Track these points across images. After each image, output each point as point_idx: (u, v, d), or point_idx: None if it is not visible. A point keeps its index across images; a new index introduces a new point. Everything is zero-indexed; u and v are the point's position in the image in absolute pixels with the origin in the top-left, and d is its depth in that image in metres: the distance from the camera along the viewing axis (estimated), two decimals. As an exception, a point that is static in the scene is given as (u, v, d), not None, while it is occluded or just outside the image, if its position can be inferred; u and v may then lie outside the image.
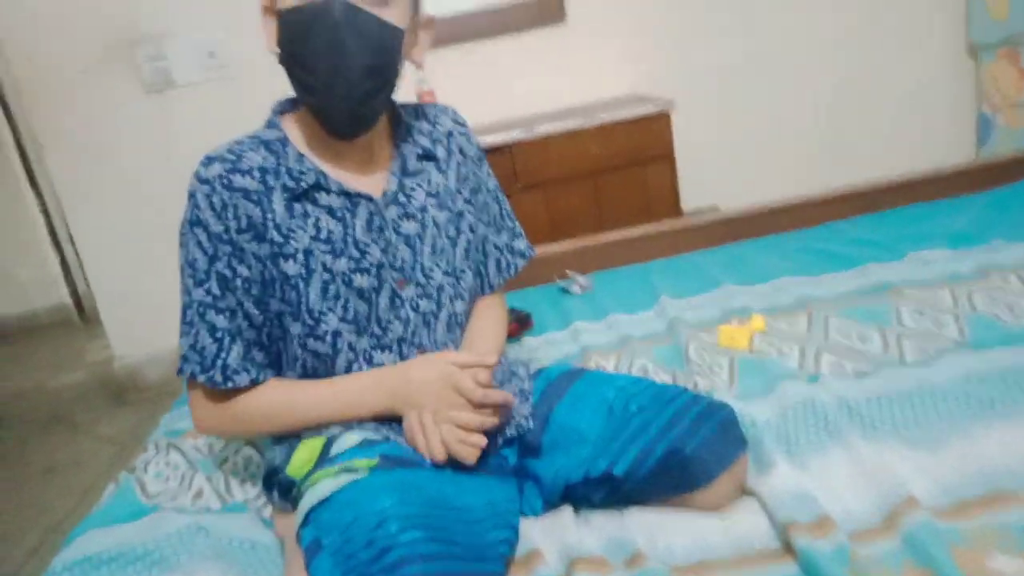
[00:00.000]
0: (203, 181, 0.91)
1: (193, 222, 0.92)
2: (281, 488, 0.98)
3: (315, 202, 0.95)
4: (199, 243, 0.91)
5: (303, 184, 0.94)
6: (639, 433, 0.94)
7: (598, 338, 1.48)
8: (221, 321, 0.92)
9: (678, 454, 0.91)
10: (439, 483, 0.89)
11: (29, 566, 1.60)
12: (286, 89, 0.94)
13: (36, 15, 2.23)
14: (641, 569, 0.84)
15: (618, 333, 1.48)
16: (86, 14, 2.27)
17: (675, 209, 2.38)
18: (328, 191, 0.95)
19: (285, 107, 1.00)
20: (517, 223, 1.18)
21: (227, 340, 0.93)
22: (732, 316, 1.45)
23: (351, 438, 0.94)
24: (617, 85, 2.60)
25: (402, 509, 0.79)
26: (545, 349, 1.47)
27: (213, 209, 0.90)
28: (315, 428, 0.97)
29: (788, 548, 0.84)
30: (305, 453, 0.95)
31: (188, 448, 1.18)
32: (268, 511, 1.05)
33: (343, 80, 0.87)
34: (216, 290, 0.92)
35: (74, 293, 3.52)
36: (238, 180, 0.91)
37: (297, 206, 0.94)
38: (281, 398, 0.97)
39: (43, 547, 1.61)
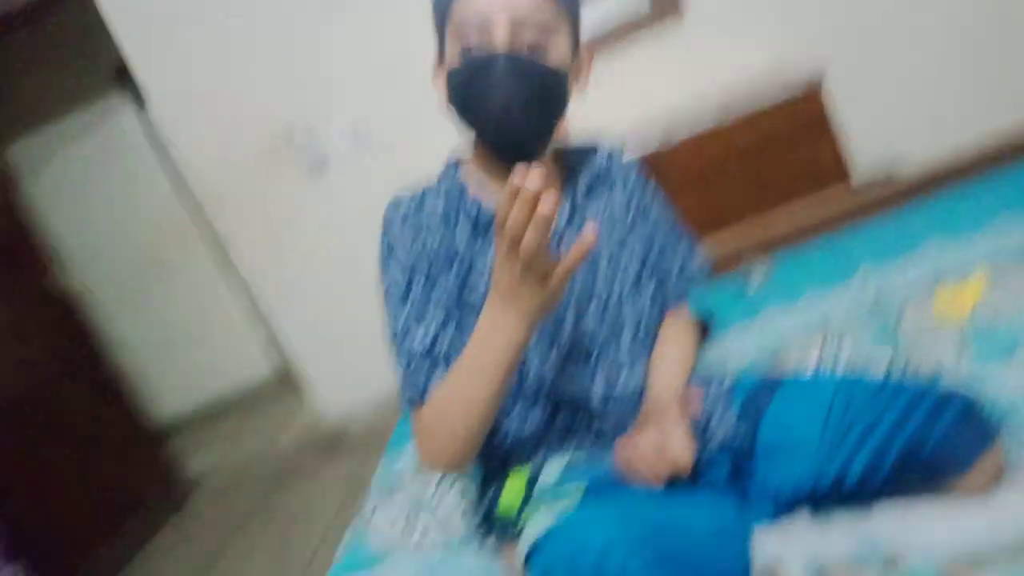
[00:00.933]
0: (394, 208, 0.97)
1: (388, 249, 0.96)
2: (499, 528, 1.00)
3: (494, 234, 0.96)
4: (398, 263, 0.95)
5: (483, 218, 0.96)
6: (866, 436, 0.85)
7: (794, 322, 1.38)
8: (426, 334, 0.94)
9: (917, 455, 0.82)
10: (657, 504, 0.86)
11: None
12: (428, 153, 0.98)
13: (203, 114, 2.51)
14: (902, 572, 0.76)
15: (817, 313, 1.37)
16: (248, 108, 2.51)
17: (844, 182, 2.18)
18: None
19: (459, 157, 1.04)
20: (691, 238, 1.14)
21: (433, 357, 0.94)
22: (947, 275, 1.29)
23: (555, 466, 0.93)
24: (752, 66, 2.45)
25: (625, 534, 0.76)
26: (736, 344, 1.40)
27: (406, 232, 0.95)
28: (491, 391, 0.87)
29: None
30: (512, 490, 0.96)
31: (408, 488, 1.23)
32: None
33: (513, 126, 0.90)
34: (419, 299, 0.94)
35: (276, 367, 3.86)
36: (422, 218, 0.96)
37: (479, 240, 0.96)
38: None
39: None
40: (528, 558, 0.87)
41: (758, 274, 1.63)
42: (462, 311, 0.95)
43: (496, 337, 0.82)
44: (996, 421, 0.87)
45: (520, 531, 0.93)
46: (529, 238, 0.72)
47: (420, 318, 0.93)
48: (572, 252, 0.74)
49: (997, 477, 0.85)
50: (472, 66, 0.89)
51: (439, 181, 1.01)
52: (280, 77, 2.46)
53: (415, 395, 0.92)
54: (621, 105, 2.45)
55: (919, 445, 0.83)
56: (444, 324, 0.93)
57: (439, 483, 1.21)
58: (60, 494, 2.13)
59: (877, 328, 1.25)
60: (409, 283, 0.94)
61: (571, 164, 1.04)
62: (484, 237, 0.97)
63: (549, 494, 0.90)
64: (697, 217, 2.09)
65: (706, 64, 2.43)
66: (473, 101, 0.91)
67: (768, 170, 2.08)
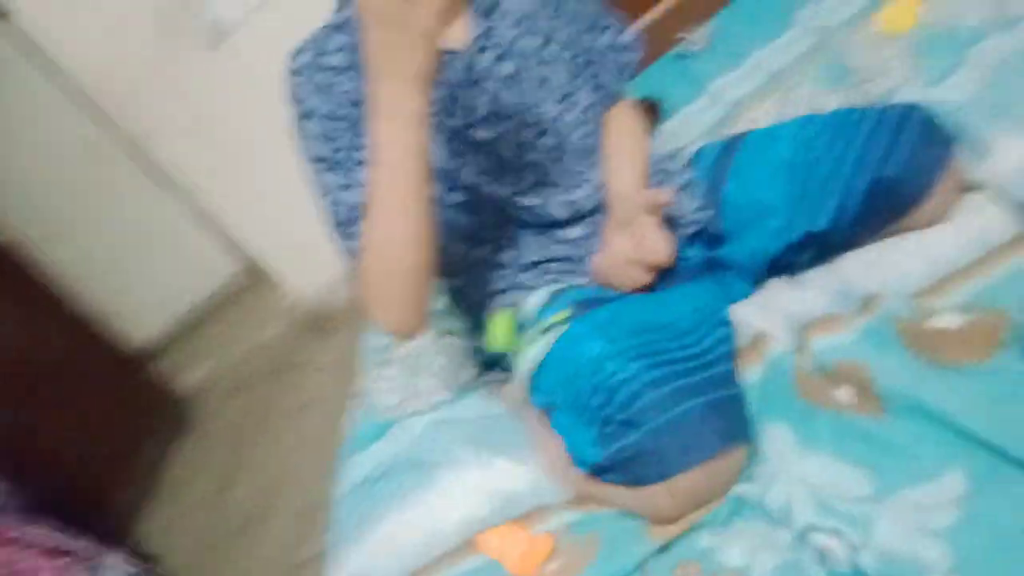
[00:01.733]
0: (295, 73, 0.88)
1: (302, 116, 0.88)
2: (492, 364, 1.01)
3: None
4: (315, 133, 0.88)
5: None
6: (831, 176, 0.84)
7: (743, 88, 1.33)
8: (354, 199, 0.87)
9: (883, 182, 0.82)
10: (638, 309, 0.87)
11: (315, 493, 1.82)
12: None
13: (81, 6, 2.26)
14: (880, 309, 0.77)
15: (764, 73, 1.32)
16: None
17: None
18: None
19: None
20: (614, 18, 1.05)
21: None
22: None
23: (536, 298, 0.93)
24: None
25: (612, 347, 0.78)
26: (688, 127, 1.35)
27: (315, 93, 0.87)
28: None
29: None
30: (500, 327, 0.96)
31: (398, 358, 1.23)
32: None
33: None
34: (343, 165, 0.87)
35: (240, 262, 3.77)
36: (327, 60, 0.88)
37: None
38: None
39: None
40: (531, 391, 0.89)
41: (697, 44, 1.54)
42: None
43: (395, 121, 0.73)
44: (952, 136, 0.85)
45: (514, 366, 0.94)
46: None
47: (346, 186, 0.86)
48: None
49: (957, 195, 0.84)
50: None
51: (331, 20, 0.91)
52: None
53: (355, 257, 0.87)
54: None
55: (883, 172, 0.82)
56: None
57: (429, 343, 1.21)
58: (67, 449, 2.13)
59: (824, 69, 1.21)
60: (333, 152, 0.87)
61: None
62: None
63: (536, 325, 0.90)
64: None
65: None
66: None
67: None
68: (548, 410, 0.87)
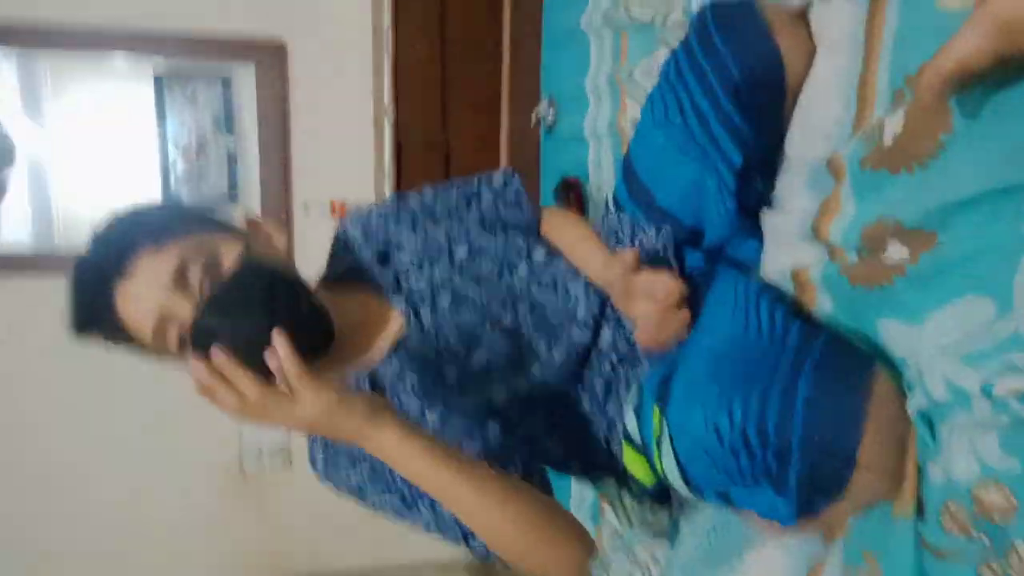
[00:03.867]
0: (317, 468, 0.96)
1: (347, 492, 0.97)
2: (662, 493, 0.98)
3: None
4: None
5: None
6: (704, 123, 0.84)
7: (604, 116, 1.36)
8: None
9: (739, 82, 0.81)
10: (695, 353, 0.84)
11: None
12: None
13: None
14: (845, 162, 0.74)
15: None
16: None
17: None
18: None
19: None
20: (475, 178, 1.11)
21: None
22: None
23: (629, 422, 0.92)
24: None
25: (708, 407, 0.73)
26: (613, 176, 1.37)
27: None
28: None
29: None
30: (635, 468, 0.94)
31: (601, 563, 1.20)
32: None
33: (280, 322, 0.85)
34: (412, 503, 0.93)
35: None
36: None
37: None
38: None
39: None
40: (694, 495, 0.86)
41: (548, 113, 1.60)
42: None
43: (395, 458, 0.80)
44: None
45: (660, 485, 0.92)
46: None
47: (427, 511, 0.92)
48: None
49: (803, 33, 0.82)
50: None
51: None
52: None
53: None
54: None
55: (734, 77, 0.80)
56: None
57: (612, 525, 1.19)
58: None
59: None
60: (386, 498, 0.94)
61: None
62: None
63: (650, 444, 0.88)
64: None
65: None
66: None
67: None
68: (724, 498, 0.83)
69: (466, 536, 0.89)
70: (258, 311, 0.80)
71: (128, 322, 0.82)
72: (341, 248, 1.06)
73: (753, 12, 0.82)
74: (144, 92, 2.34)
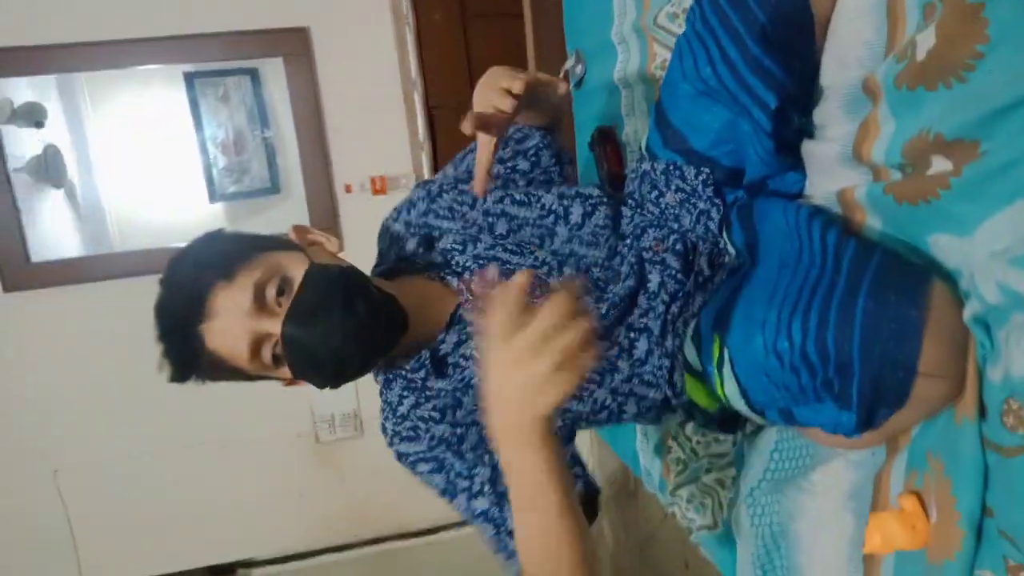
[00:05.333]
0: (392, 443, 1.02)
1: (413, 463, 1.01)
2: (729, 418, 1.02)
3: None
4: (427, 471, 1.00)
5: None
6: (734, 65, 0.84)
7: (633, 64, 1.36)
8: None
9: (765, 25, 0.80)
10: (749, 279, 0.86)
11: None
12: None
13: None
14: (880, 82, 0.75)
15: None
16: None
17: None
18: None
19: None
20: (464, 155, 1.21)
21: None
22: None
23: (689, 351, 0.95)
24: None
25: (769, 330, 0.76)
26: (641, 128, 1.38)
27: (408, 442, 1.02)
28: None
29: None
30: (697, 395, 0.98)
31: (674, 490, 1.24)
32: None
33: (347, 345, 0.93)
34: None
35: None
36: (410, 414, 1.01)
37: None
38: None
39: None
40: (759, 416, 0.89)
41: (578, 67, 1.61)
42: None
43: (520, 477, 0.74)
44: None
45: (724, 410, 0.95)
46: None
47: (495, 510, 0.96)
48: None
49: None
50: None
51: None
52: None
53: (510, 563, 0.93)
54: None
55: (759, 19, 0.80)
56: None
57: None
58: None
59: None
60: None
61: None
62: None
63: (712, 372, 0.91)
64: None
65: None
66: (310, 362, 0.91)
67: None
68: (787, 417, 0.86)
69: (509, 556, 0.93)
70: (338, 310, 0.88)
71: (223, 355, 0.89)
72: (387, 242, 1.12)
73: None
74: (177, 96, 2.41)
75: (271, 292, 0.88)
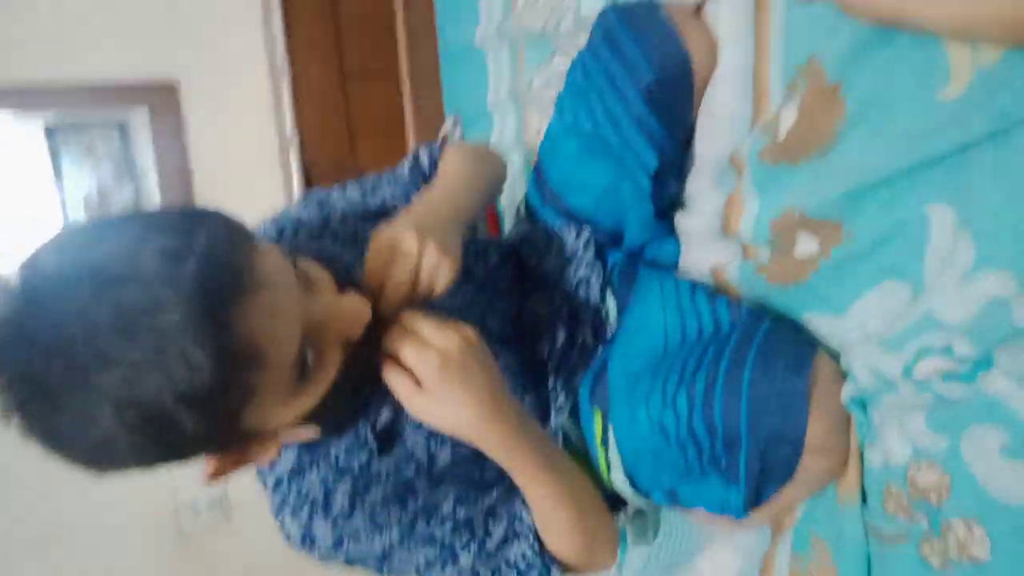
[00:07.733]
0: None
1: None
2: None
3: None
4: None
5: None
6: (619, 124, 0.82)
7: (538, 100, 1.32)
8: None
9: (651, 84, 0.78)
10: (628, 354, 0.82)
11: None
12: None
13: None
14: (744, 158, 0.74)
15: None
16: None
17: None
18: None
19: None
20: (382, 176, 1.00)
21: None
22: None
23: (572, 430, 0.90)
24: None
25: (653, 404, 0.73)
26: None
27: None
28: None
29: None
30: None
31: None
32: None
33: None
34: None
35: None
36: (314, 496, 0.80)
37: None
38: None
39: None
40: (643, 496, 0.84)
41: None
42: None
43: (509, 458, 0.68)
44: None
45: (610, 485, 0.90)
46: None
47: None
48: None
49: (699, 23, 0.82)
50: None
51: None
52: None
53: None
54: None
55: (643, 79, 0.78)
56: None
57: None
58: None
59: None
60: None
61: None
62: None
63: (598, 452, 0.86)
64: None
65: None
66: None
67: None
68: (673, 498, 0.82)
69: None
70: None
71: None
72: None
73: (658, 11, 0.80)
74: (37, 147, 2.22)
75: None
